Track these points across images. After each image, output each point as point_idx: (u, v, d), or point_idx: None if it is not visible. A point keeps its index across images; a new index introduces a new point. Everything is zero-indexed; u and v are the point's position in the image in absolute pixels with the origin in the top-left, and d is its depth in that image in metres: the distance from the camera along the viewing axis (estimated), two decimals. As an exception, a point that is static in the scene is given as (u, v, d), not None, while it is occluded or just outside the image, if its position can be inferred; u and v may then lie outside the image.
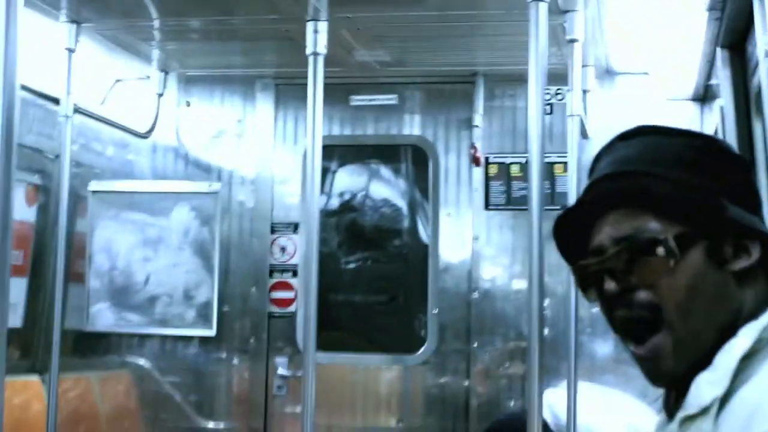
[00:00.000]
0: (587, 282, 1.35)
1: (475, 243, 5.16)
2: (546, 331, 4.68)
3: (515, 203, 5.03)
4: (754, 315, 1.28)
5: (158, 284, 5.34)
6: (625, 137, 1.41)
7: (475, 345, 5.10)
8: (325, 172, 5.22)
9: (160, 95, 5.38)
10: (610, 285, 1.31)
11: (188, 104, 5.49)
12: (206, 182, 5.42)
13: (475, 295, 5.15)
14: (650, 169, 1.33)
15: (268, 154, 5.42)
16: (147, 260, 5.38)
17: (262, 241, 5.35)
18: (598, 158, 1.43)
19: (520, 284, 4.97)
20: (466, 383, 5.10)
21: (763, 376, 1.20)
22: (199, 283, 5.31)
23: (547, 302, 4.61)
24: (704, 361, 1.27)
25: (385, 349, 5.27)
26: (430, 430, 5.12)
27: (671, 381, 1.31)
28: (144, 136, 5.41)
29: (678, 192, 1.30)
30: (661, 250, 1.27)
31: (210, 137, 5.47)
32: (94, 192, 5.35)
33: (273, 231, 5.36)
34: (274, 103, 5.45)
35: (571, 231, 1.39)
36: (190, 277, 5.32)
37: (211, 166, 5.48)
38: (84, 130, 5.07)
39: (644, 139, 1.38)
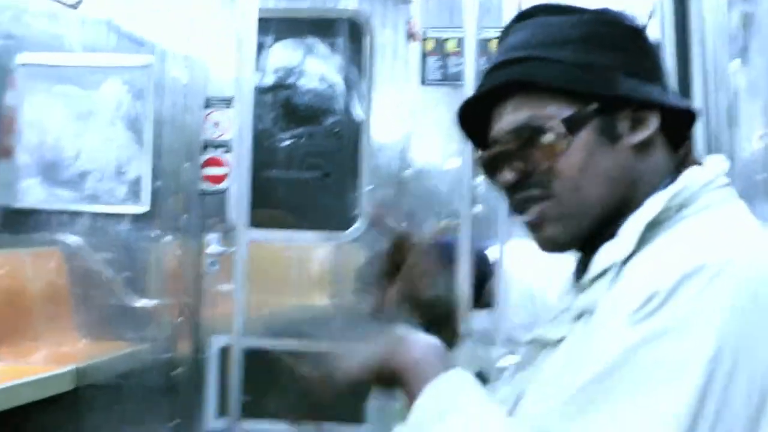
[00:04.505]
0: (492, 171, 1.36)
1: (410, 120, 5.13)
2: (479, 208, 4.69)
3: (451, 79, 4.97)
4: (656, 184, 1.29)
5: (89, 160, 5.24)
6: (519, 19, 1.39)
7: (408, 222, 5.10)
8: (259, 46, 5.13)
9: (90, -35, 5.21)
10: (508, 174, 1.32)
11: (118, -26, 5.33)
12: (138, 55, 5.30)
13: (409, 172, 5.13)
14: (538, 52, 1.32)
15: (203, 28, 5.30)
16: (78, 135, 5.27)
17: (196, 116, 5.27)
18: (500, 41, 1.41)
19: (454, 162, 4.95)
20: (398, 260, 5.11)
21: (661, 240, 1.21)
22: (131, 158, 5.23)
23: (479, 179, 4.60)
24: (603, 233, 1.29)
25: (318, 226, 5.27)
26: (362, 308, 5.14)
27: (559, 248, 1.34)
28: (74, 6, 5.25)
29: (566, 73, 1.29)
30: (550, 136, 1.28)
31: (142, 10, 5.33)
32: (23, 64, 5.21)
33: (207, 106, 5.28)
34: (208, -26, 5.32)
35: (476, 120, 1.39)
36: (122, 153, 5.24)
37: (143, 39, 5.35)
38: (12, 1, 4.92)
39: (535, 20, 1.38)
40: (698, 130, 1.38)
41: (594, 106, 1.28)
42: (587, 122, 1.28)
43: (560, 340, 1.28)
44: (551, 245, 1.33)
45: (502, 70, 1.35)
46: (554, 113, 1.28)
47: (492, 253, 3.83)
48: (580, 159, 1.27)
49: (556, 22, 1.34)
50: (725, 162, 1.34)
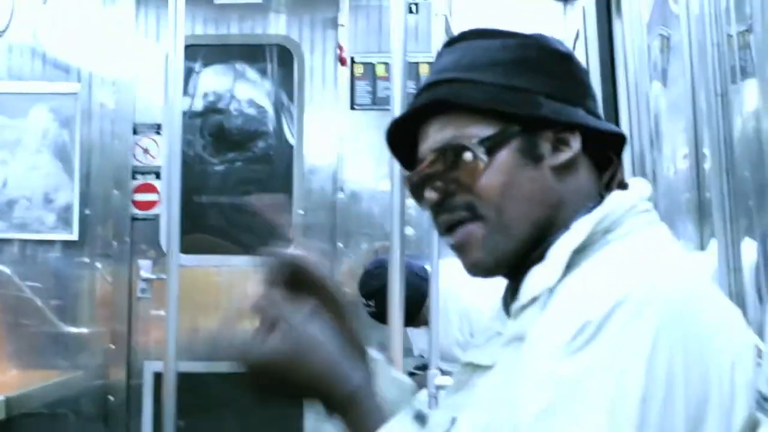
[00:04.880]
0: (417, 192, 1.36)
1: (341, 144, 5.16)
2: (411, 231, 4.74)
3: (381, 103, 5.02)
4: (579, 207, 1.31)
5: (16, 188, 5.20)
6: (450, 43, 1.42)
7: (341, 245, 5.14)
8: (188, 72, 5.12)
9: (15, -9, 5.17)
10: (431, 194, 1.32)
11: (45, 2, 5.28)
12: (65, 83, 5.27)
13: (341, 195, 5.16)
14: (464, 74, 1.33)
15: (130, 54, 5.28)
16: (3, 163, 5.22)
17: (124, 142, 5.24)
18: (434, 63, 1.43)
19: (386, 185, 4.97)
20: (332, 283, 5.12)
21: (587, 266, 1.23)
22: (59, 186, 5.19)
23: (412, 202, 4.63)
24: (529, 255, 1.30)
25: (251, 250, 5.25)
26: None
27: (485, 273, 1.33)
28: (-1, 34, 5.21)
29: (489, 94, 1.31)
30: (468, 156, 1.29)
31: (68, 37, 5.29)
32: (-53, 93, 5.16)
33: (135, 132, 5.25)
34: (135, 1, 5.29)
35: (405, 141, 1.40)
36: (50, 180, 5.20)
37: (70, 66, 5.32)
38: (-66, 29, 4.87)
39: (466, 44, 1.39)
40: (624, 151, 1.40)
41: (514, 127, 1.30)
42: (506, 143, 1.29)
43: (492, 366, 1.28)
44: (477, 270, 1.33)
45: (430, 91, 1.36)
46: (475, 133, 1.30)
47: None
48: (499, 179, 1.29)
49: (485, 46, 1.36)
50: (649, 186, 1.36)
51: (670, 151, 2.96)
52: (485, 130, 1.30)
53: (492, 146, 1.29)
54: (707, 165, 2.42)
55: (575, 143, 1.31)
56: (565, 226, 1.29)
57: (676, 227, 2.63)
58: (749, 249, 2.06)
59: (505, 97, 1.31)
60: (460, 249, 1.33)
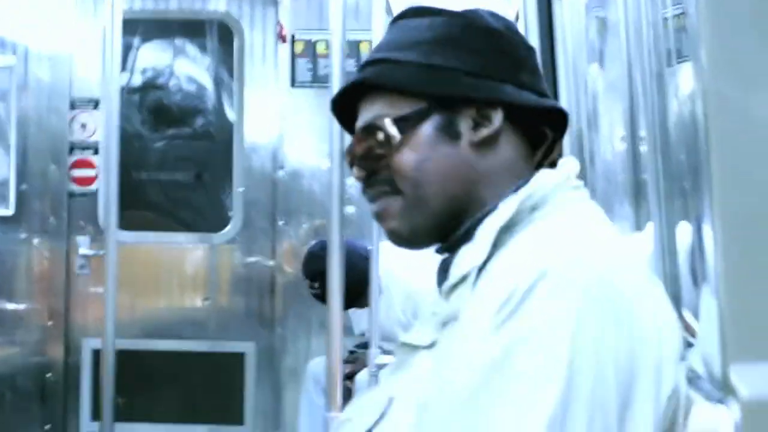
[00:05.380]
0: (351, 166, 1.41)
1: (282, 121, 5.15)
2: (353, 210, 4.75)
3: (321, 81, 5.00)
4: (505, 182, 1.33)
5: (-50, 163, 5.14)
6: (395, 20, 1.45)
7: (282, 223, 5.14)
8: (127, 47, 5.08)
9: (-53, -37, 5.08)
10: (359, 171, 1.37)
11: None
12: (-1, 56, 5.20)
13: (281, 173, 5.16)
14: (391, 54, 1.37)
15: (67, 28, 5.21)
16: (-64, 139, 5.15)
17: (61, 117, 5.18)
18: None
19: (327, 163, 4.99)
20: (272, 262, 5.14)
21: (514, 243, 1.26)
22: (-6, 161, 5.14)
23: (352, 180, 4.65)
24: (452, 229, 1.34)
25: (191, 227, 5.25)
26: (237, 309, 5.16)
27: (404, 241, 1.37)
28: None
29: (409, 74, 1.34)
30: (383, 135, 1.33)
31: (3, 9, 5.21)
32: None
33: (73, 107, 5.20)
34: (72, -25, 5.23)
35: (352, 112, 1.43)
36: (-16, 155, 5.14)
37: (4, 39, 5.24)
38: None
39: (403, 22, 1.42)
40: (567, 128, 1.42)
41: (432, 105, 1.33)
42: (422, 121, 1.32)
43: (430, 345, 1.30)
44: (396, 238, 1.37)
45: (365, 69, 1.40)
46: (396, 112, 1.33)
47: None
48: (413, 157, 1.32)
49: (415, 25, 1.38)
50: (577, 163, 1.38)
51: (608, 132, 2.99)
52: (405, 109, 1.34)
53: (407, 125, 1.33)
54: (644, 147, 2.45)
55: (496, 119, 1.34)
56: (490, 202, 1.32)
57: (614, 209, 2.66)
58: (685, 231, 2.09)
59: (424, 76, 1.34)
60: (379, 218, 1.38)
